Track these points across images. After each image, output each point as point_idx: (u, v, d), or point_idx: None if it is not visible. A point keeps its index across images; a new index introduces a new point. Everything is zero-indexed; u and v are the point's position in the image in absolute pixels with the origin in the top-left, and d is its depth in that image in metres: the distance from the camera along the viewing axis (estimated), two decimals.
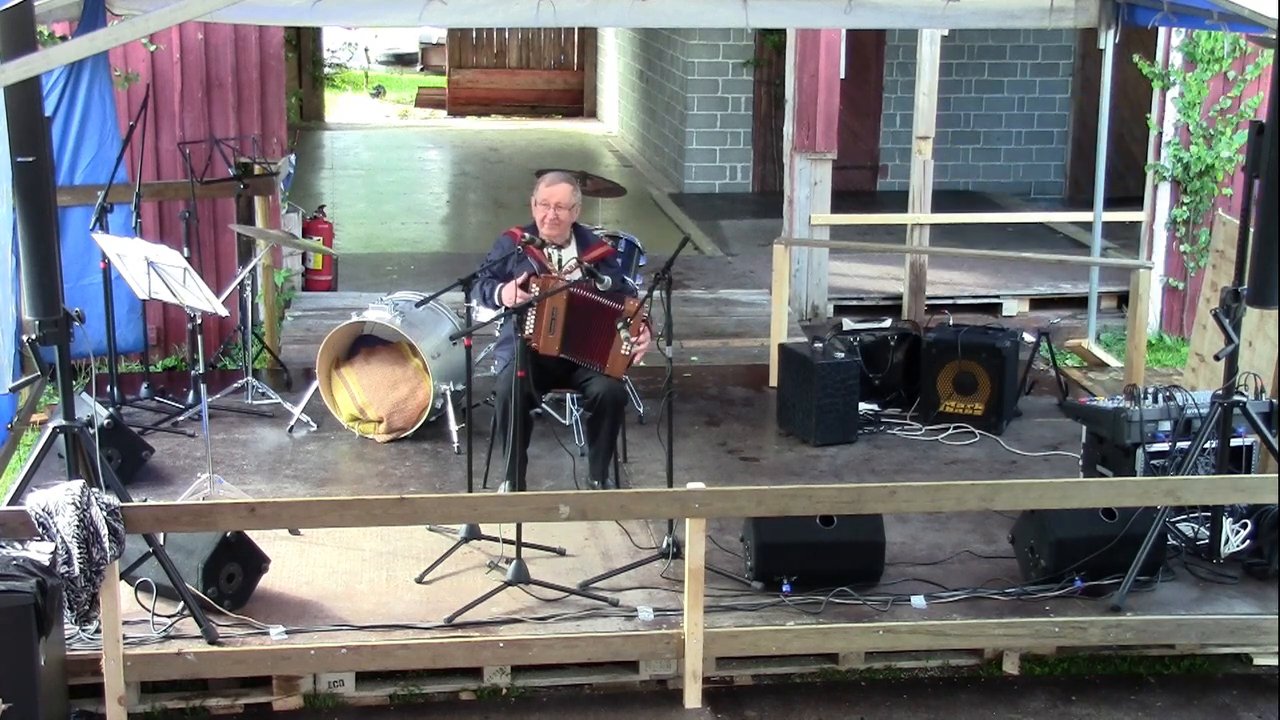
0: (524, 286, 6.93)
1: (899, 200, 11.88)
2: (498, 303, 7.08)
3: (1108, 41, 8.99)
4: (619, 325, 6.82)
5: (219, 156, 9.08)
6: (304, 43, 19.99)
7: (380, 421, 8.14)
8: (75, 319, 5.78)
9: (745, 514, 6.36)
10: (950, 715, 5.99)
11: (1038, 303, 11.61)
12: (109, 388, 8.40)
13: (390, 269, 12.25)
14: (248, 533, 6.14)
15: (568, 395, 8.05)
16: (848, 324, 9.04)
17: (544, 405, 7.99)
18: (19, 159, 5.59)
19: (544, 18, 7.62)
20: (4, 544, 5.43)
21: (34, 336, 5.78)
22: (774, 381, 8.98)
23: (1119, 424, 7.10)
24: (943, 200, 11.86)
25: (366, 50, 26.36)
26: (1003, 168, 15.59)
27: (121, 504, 5.60)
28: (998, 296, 11.62)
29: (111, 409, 7.83)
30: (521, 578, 6.31)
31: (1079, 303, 11.34)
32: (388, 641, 5.90)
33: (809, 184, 10.97)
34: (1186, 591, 6.45)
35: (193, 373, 8.35)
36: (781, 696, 6.11)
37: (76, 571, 5.38)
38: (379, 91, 24.46)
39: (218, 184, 9.04)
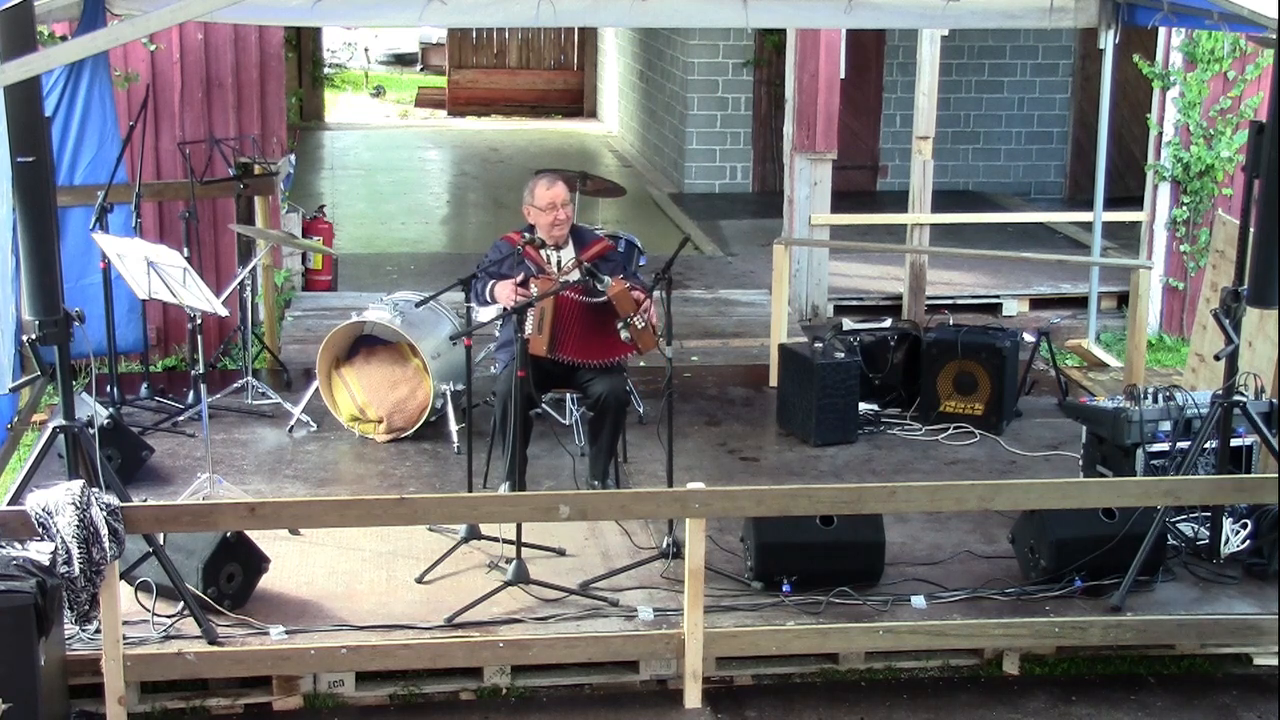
0: (523, 285, 6.90)
1: (899, 200, 11.87)
2: (489, 298, 7.05)
3: (1108, 41, 8.99)
4: (619, 325, 6.80)
5: (219, 156, 9.08)
6: (304, 43, 19.96)
7: (380, 421, 8.13)
8: (75, 319, 5.78)
9: (745, 514, 6.36)
10: (950, 715, 5.99)
11: (1038, 303, 11.60)
12: (109, 388, 8.39)
13: (390, 269, 12.24)
14: (248, 533, 6.14)
15: (568, 395, 8.05)
16: (848, 324, 9.03)
17: (544, 405, 7.99)
18: (19, 159, 5.59)
19: (544, 18, 7.62)
20: (4, 544, 5.42)
21: (34, 336, 5.78)
22: (774, 381, 8.97)
23: (1119, 424, 7.10)
24: (943, 200, 11.86)
25: (366, 50, 26.32)
26: (1003, 168, 15.58)
27: (121, 504, 5.60)
28: (998, 296, 11.61)
29: (111, 409, 7.83)
30: (521, 578, 6.31)
31: (1079, 303, 11.33)
32: (388, 641, 5.90)
33: (809, 184, 10.97)
34: (1186, 591, 6.45)
35: (193, 373, 8.35)
36: (781, 696, 6.10)
37: (76, 571, 5.38)
38: (379, 91, 24.43)
39: (218, 184, 9.03)
